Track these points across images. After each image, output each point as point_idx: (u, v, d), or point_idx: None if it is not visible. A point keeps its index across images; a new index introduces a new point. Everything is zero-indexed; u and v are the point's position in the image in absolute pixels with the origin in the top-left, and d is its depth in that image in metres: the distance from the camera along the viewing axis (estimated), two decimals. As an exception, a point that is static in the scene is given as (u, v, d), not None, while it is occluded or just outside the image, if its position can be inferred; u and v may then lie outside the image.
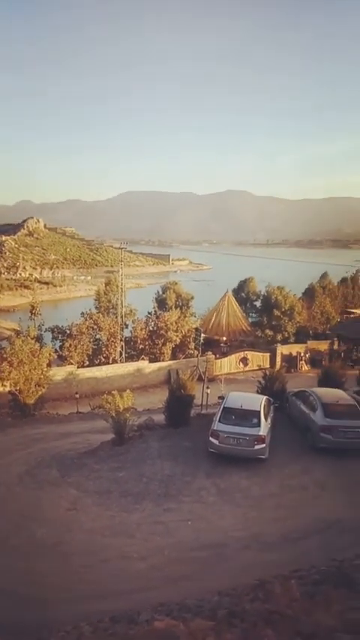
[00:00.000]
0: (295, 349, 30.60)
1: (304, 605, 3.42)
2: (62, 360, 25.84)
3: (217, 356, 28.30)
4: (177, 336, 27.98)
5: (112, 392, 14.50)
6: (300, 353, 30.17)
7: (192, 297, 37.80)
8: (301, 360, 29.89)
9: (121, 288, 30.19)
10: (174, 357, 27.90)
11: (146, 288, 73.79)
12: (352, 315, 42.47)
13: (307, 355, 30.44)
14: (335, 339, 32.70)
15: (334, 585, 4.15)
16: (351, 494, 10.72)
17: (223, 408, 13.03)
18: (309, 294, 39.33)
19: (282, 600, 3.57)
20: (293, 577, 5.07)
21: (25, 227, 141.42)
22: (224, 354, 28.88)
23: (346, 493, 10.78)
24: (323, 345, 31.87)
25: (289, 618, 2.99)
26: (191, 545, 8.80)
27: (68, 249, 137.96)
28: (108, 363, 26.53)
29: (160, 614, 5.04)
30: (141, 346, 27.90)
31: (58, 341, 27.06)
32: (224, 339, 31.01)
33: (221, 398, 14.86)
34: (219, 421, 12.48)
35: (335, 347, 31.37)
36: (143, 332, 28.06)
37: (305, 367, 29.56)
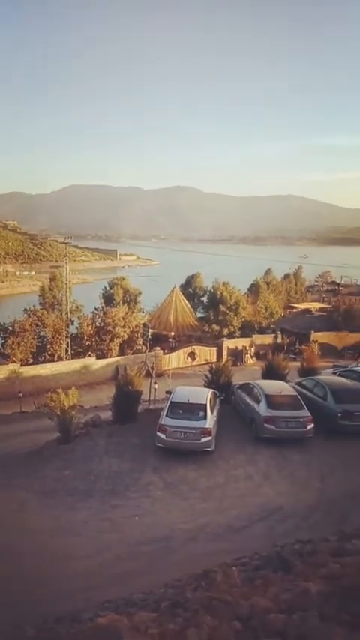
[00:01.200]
0: (240, 343, 31.30)
1: (243, 590, 3.53)
2: (4, 358, 24.94)
3: (166, 351, 28.42)
4: (125, 332, 27.80)
5: (58, 390, 14.20)
6: (245, 347, 30.91)
7: (140, 293, 37.68)
8: (247, 353, 30.63)
9: (67, 284, 29.53)
10: (122, 353, 27.70)
11: (93, 283, 72.69)
12: (294, 310, 44.09)
13: (252, 349, 31.24)
14: (279, 332, 33.80)
15: (274, 569, 4.32)
16: (292, 483, 11.17)
17: (171, 402, 13.13)
18: (254, 289, 40.34)
19: (223, 587, 3.67)
20: (236, 564, 5.22)
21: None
22: (172, 349, 29.06)
23: (288, 482, 11.22)
24: (267, 339, 32.85)
25: (229, 603, 3.08)
26: (138, 540, 8.82)
27: (10, 244, 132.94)
28: (53, 361, 25.92)
29: (106, 611, 5.02)
30: (88, 343, 27.46)
31: (0, 338, 26.08)
32: (172, 334, 31.21)
33: (169, 393, 14.95)
34: (166, 416, 12.57)
35: (279, 340, 32.41)
36: (90, 328, 27.63)
37: (251, 360, 30.33)
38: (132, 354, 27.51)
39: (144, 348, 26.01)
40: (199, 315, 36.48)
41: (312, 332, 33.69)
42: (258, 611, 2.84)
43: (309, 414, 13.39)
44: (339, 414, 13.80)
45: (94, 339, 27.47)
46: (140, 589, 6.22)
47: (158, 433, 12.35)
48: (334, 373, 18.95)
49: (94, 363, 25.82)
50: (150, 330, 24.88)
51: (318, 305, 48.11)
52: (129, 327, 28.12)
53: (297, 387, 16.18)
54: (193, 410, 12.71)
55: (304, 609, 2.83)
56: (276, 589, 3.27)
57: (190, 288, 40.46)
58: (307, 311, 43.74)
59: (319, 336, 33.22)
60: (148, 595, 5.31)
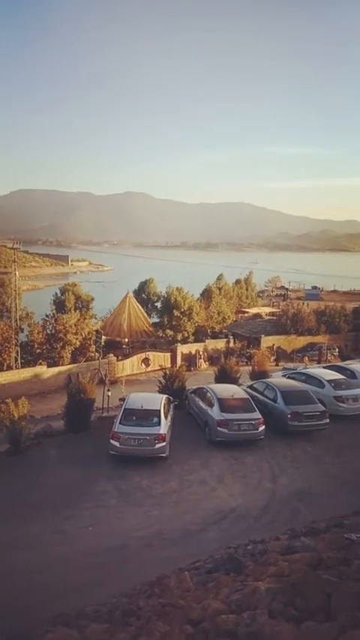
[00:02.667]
0: (194, 348, 31.56)
1: (196, 594, 3.56)
2: None
3: (119, 358, 28.16)
4: (77, 339, 27.29)
5: (7, 400, 13.73)
6: (199, 351, 31.20)
7: (92, 299, 37.13)
8: (200, 358, 30.93)
9: (16, 291, 28.63)
10: (74, 360, 27.16)
11: (44, 289, 70.85)
12: (246, 315, 45.02)
13: (205, 353, 31.58)
14: (231, 337, 34.38)
15: (226, 571, 4.38)
16: (245, 485, 11.38)
17: (124, 409, 13.05)
18: (206, 294, 40.78)
19: (176, 592, 3.69)
20: (190, 569, 5.25)
21: None
22: (126, 356, 28.84)
23: (241, 484, 11.42)
24: (220, 344, 33.32)
25: (181, 608, 3.10)
26: (92, 550, 8.67)
27: None
28: (2, 370, 25.02)
29: (57, 626, 4.90)
30: (38, 351, 26.72)
31: None
32: (126, 340, 30.98)
33: (122, 400, 14.83)
34: (120, 423, 12.46)
35: (231, 345, 32.96)
36: (41, 336, 26.91)
37: (204, 365, 30.63)
38: (85, 361, 27.04)
39: (97, 355, 25.64)
40: (153, 320, 36.44)
41: (262, 336, 34.54)
42: (209, 613, 2.88)
43: (260, 416, 13.71)
44: (289, 415, 14.23)
45: (44, 347, 26.77)
46: (94, 600, 6.12)
47: (112, 441, 12.22)
48: (284, 375, 19.50)
49: (45, 371, 25.17)
50: (103, 337, 24.58)
51: (268, 309, 49.38)
52: (81, 334, 27.64)
53: (249, 389, 16.53)
54: (147, 416, 12.68)
55: (253, 608, 2.90)
56: (227, 590, 3.33)
57: (143, 293, 40.35)
58: (258, 315, 44.77)
59: (269, 340, 34.11)
60: (101, 606, 5.22)
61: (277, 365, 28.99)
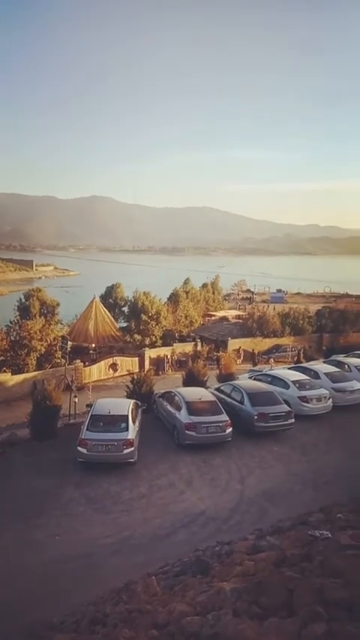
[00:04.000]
0: (162, 352, 31.54)
1: (163, 598, 3.57)
2: None
3: (86, 363, 27.81)
4: (42, 345, 26.77)
5: (-31, 410, 13.32)
6: (167, 355, 31.21)
7: (58, 304, 36.47)
8: (168, 362, 30.95)
9: (-22, 297, 27.85)
10: (40, 367, 26.63)
11: (8, 295, 69.24)
12: (213, 318, 45.39)
13: (173, 357, 31.62)
14: (198, 340, 34.57)
15: (193, 574, 4.41)
16: (214, 487, 11.46)
17: (91, 415, 12.90)
18: (173, 298, 40.86)
19: (143, 598, 3.68)
20: (158, 573, 5.25)
21: None
22: (93, 361, 28.51)
23: (209, 486, 11.50)
24: (188, 347, 33.44)
25: (147, 613, 3.10)
26: (60, 559, 8.51)
27: None
28: (-36, 379, 24.24)
29: (26, 639, 4.80)
30: (2, 358, 26.05)
31: None
32: (93, 345, 30.63)
33: (89, 406, 14.66)
34: (87, 429, 12.31)
35: (198, 348, 33.14)
36: (4, 342, 26.24)
37: (172, 369, 30.67)
38: (50, 367, 26.55)
39: (63, 361, 25.23)
40: (120, 325, 36.19)
41: (229, 339, 34.91)
42: (175, 616, 2.90)
43: (227, 419, 13.85)
44: (255, 417, 14.44)
45: (9, 354, 26.12)
46: (62, 610, 6.02)
47: (79, 448, 12.05)
48: (250, 377, 19.77)
49: (9, 378, 24.56)
50: (69, 343, 24.23)
51: (234, 313, 49.95)
52: (47, 340, 27.13)
53: (216, 392, 16.68)
54: (115, 422, 12.59)
55: (218, 608, 2.93)
56: (193, 592, 3.35)
57: (110, 298, 40.00)
58: (225, 319, 45.23)
59: (236, 343, 34.50)
60: (68, 616, 5.14)
61: (255, 365, 29.45)
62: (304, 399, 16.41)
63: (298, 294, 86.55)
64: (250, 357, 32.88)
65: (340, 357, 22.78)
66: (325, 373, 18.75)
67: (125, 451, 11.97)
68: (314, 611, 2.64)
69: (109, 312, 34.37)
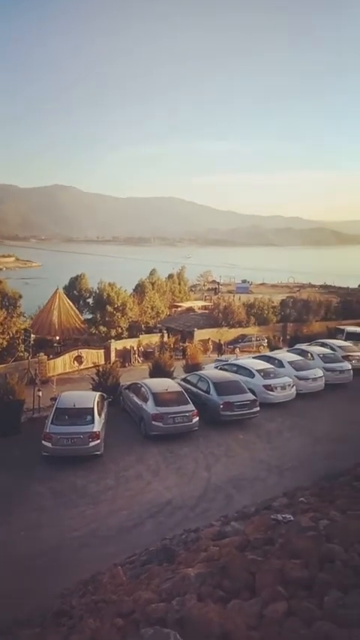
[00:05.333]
0: (128, 344, 31.36)
1: (129, 587, 3.60)
2: None
3: (50, 356, 27.31)
4: (4, 338, 26.07)
5: None
6: (133, 347, 31.07)
7: (20, 296, 35.54)
8: (135, 353, 30.83)
9: None
10: (2, 361, 25.97)
11: (-33, 288, 66.87)
12: (179, 309, 45.49)
13: (139, 349, 31.52)
14: (165, 331, 34.59)
15: (159, 562, 4.45)
16: (181, 476, 11.59)
17: (56, 408, 12.74)
18: (139, 289, 40.62)
19: (109, 588, 3.69)
20: (124, 563, 5.27)
21: None
22: (57, 354, 28.04)
23: (176, 475, 11.61)
24: (154, 338, 33.40)
25: (113, 603, 3.12)
26: (27, 555, 8.40)
27: None
28: None
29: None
30: None
31: None
32: (57, 338, 30.10)
33: (54, 399, 14.47)
34: (51, 423, 12.16)
35: (165, 339, 33.17)
36: (-36, 337, 25.42)
37: (138, 360, 30.58)
38: (13, 361, 25.92)
39: (26, 354, 24.71)
40: (85, 317, 35.68)
41: (195, 329, 35.09)
42: (140, 604, 2.93)
43: (194, 408, 13.98)
44: (221, 406, 14.65)
45: (-31, 348, 25.35)
46: (29, 606, 5.97)
47: (44, 442, 11.90)
48: (216, 367, 19.99)
49: (-30, 373, 23.86)
50: (32, 335, 23.73)
51: (200, 303, 50.21)
52: (8, 334, 26.43)
53: (182, 382, 16.78)
54: (80, 414, 12.48)
55: (183, 594, 2.98)
56: (159, 580, 3.39)
57: (74, 290, 39.34)
58: (191, 309, 45.39)
59: (202, 333, 34.73)
60: (35, 611, 5.10)
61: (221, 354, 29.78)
62: (268, 387, 16.76)
63: (263, 284, 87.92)
64: (217, 347, 33.20)
65: (304, 346, 23.34)
66: (288, 362, 19.20)
67: (91, 444, 11.91)
68: (275, 592, 2.72)
69: (74, 303, 33.80)
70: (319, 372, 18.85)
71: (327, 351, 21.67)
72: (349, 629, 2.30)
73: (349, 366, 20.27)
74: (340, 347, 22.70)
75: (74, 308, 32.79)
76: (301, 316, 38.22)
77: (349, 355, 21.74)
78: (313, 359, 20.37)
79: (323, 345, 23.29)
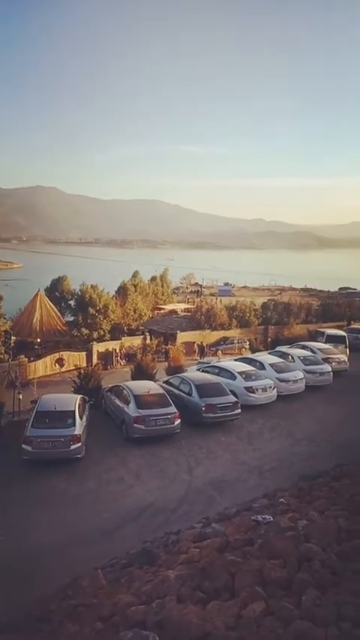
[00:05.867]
0: (110, 346, 31.21)
1: (109, 591, 3.59)
2: None
3: (31, 359, 27.00)
4: (-16, 340, 25.70)
5: None
6: (115, 349, 30.93)
7: (0, 298, 35.13)
8: (117, 356, 30.69)
9: None
10: (-19, 363, 25.56)
11: None
12: (162, 311, 45.47)
13: (122, 351, 31.39)
14: (147, 334, 34.52)
15: (140, 565, 4.45)
16: (162, 479, 11.57)
17: (36, 412, 12.60)
18: (122, 292, 40.49)
19: (89, 592, 3.68)
20: (105, 567, 5.25)
21: None
22: (39, 357, 27.74)
23: (158, 478, 11.59)
24: (137, 341, 33.31)
25: (92, 607, 3.11)
26: (6, 560, 8.28)
27: None
28: None
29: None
30: None
31: None
32: (38, 340, 29.79)
33: (34, 402, 14.31)
34: (32, 426, 12.01)
35: (147, 341, 33.10)
36: None
37: (121, 363, 30.44)
38: (-7, 364, 25.57)
39: (6, 356, 24.39)
40: (67, 319, 35.39)
41: (178, 332, 35.12)
42: (120, 607, 2.93)
43: (176, 411, 13.98)
44: (203, 408, 14.69)
45: None
46: (8, 612, 5.88)
47: (24, 445, 11.74)
48: (199, 369, 20.05)
49: None
50: (12, 337, 23.43)
51: (183, 306, 50.25)
52: (-11, 336, 26.07)
53: (164, 385, 16.77)
54: (61, 417, 12.36)
55: (163, 596, 2.99)
56: (139, 583, 3.39)
57: (56, 291, 39.02)
58: (174, 312, 45.39)
59: (185, 336, 34.78)
60: (14, 617, 5.04)
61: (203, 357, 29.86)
62: (250, 389, 16.88)
63: (245, 287, 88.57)
64: (199, 350, 33.28)
65: (284, 348, 23.59)
66: (269, 364, 19.36)
67: (72, 447, 11.80)
68: (254, 592, 2.75)
69: (55, 305, 33.53)
70: (300, 374, 19.07)
71: (307, 353, 21.93)
72: (325, 627, 2.35)
73: (329, 369, 20.55)
74: (320, 349, 22.99)
75: (56, 310, 32.52)
76: (282, 319, 38.58)
77: (329, 357, 22.03)
78: (294, 361, 20.58)
79: (304, 347, 23.55)
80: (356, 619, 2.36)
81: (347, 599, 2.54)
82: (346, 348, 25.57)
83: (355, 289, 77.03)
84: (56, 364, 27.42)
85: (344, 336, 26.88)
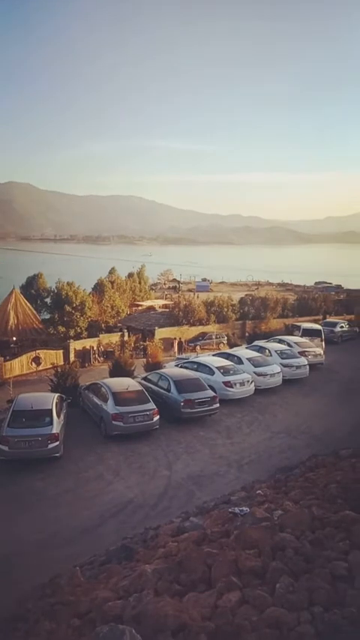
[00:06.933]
0: (88, 343, 30.95)
1: (87, 588, 3.59)
2: None
3: (7, 357, 26.58)
4: None
5: None
6: (93, 347, 30.71)
7: (-26, 297, 34.42)
8: (95, 353, 30.48)
9: None
10: None
11: None
12: (139, 308, 45.33)
13: (99, 348, 31.19)
14: (125, 330, 34.38)
15: (118, 561, 4.46)
16: (142, 475, 11.58)
17: (12, 411, 12.43)
18: (99, 288, 40.20)
19: (67, 590, 3.67)
20: (84, 564, 5.24)
21: None
22: (15, 355, 27.32)
23: (138, 474, 11.59)
24: (115, 338, 33.14)
25: (70, 604, 3.10)
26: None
27: None
28: None
29: None
30: None
31: None
32: (14, 339, 29.34)
33: (10, 402, 14.10)
34: (8, 426, 11.85)
35: (125, 338, 32.97)
36: None
37: (99, 360, 30.26)
38: (-32, 364, 25.08)
39: (-19, 356, 23.97)
40: (43, 317, 34.93)
41: (156, 328, 35.08)
42: (98, 603, 2.93)
43: (155, 407, 13.99)
44: (182, 403, 14.74)
45: None
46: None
47: (0, 445, 11.57)
48: (177, 365, 20.09)
49: None
50: (-13, 337, 23.03)
51: (161, 302, 50.20)
52: None
53: (143, 381, 16.76)
54: (38, 416, 12.23)
55: (140, 590, 3.01)
56: (117, 578, 3.40)
57: (32, 289, 38.44)
58: (152, 308, 45.31)
59: (163, 332, 34.78)
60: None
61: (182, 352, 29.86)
62: (228, 384, 17.02)
63: (223, 282, 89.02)
64: (178, 346, 33.34)
65: (262, 343, 23.83)
66: (247, 358, 19.55)
67: (50, 446, 11.70)
68: (229, 582, 2.80)
69: (31, 303, 33.08)
70: (277, 368, 19.32)
71: (284, 347, 22.22)
72: (297, 612, 2.41)
73: (306, 362, 20.88)
74: (296, 343, 23.33)
75: (31, 308, 32.10)
76: (259, 314, 38.99)
77: (305, 351, 22.38)
78: (271, 355, 20.83)
79: (280, 341, 23.86)
80: (327, 603, 2.44)
81: (319, 584, 2.62)
82: (321, 341, 26.02)
83: (331, 283, 78.41)
84: (33, 363, 27.09)
85: (320, 330, 27.34)
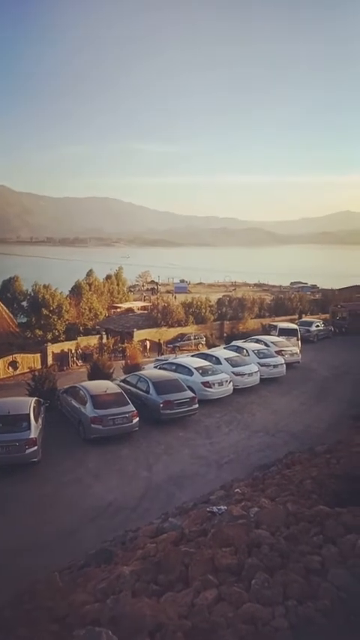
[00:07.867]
0: (66, 347, 30.66)
1: (65, 592, 3.57)
2: None
3: (-17, 363, 26.10)
4: None
5: None
6: (71, 350, 30.43)
7: None
8: (73, 356, 30.21)
9: None
10: None
11: None
12: (118, 310, 45.14)
13: (77, 351, 30.93)
14: (103, 333, 34.18)
15: (97, 564, 4.44)
16: (121, 477, 11.53)
17: (-11, 417, 12.19)
18: (76, 291, 39.90)
19: (45, 595, 3.64)
20: (63, 569, 5.20)
21: None
22: (-10, 360, 26.85)
23: (117, 477, 11.54)
24: (93, 340, 32.91)
25: (48, 609, 3.08)
26: None
27: None
28: None
29: None
30: None
31: None
32: (-11, 343, 28.85)
33: (-14, 407, 13.82)
34: (-17, 433, 11.63)
35: (104, 341, 32.78)
36: None
37: (77, 363, 30.00)
38: None
39: None
40: (19, 321, 34.48)
41: (135, 330, 34.99)
42: (75, 607, 2.92)
43: (134, 409, 13.96)
44: (161, 405, 14.75)
45: None
46: None
47: (-25, 453, 11.35)
48: (156, 366, 20.08)
49: None
50: None
51: (140, 304, 50.14)
52: None
53: (122, 383, 16.69)
54: (15, 421, 12.04)
55: (118, 592, 3.01)
56: (95, 581, 3.40)
57: (8, 292, 37.92)
58: (130, 310, 45.19)
59: (142, 334, 34.71)
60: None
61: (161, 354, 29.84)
62: (206, 384, 17.10)
63: (200, 284, 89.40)
64: (157, 347, 33.32)
65: (239, 343, 24.03)
66: (225, 359, 19.68)
67: (28, 451, 11.53)
68: (206, 580, 2.83)
69: (7, 307, 32.64)
70: (255, 368, 19.51)
71: (261, 347, 22.45)
72: (272, 607, 2.46)
73: (282, 361, 21.15)
74: (273, 343, 23.60)
75: (7, 311, 31.67)
76: (236, 314, 39.30)
77: (281, 350, 22.68)
78: (249, 355, 21.02)
79: (258, 341, 24.10)
80: (301, 596, 2.49)
81: (293, 578, 2.68)
82: (298, 340, 26.41)
83: (306, 283, 79.62)
84: (9, 367, 26.69)
85: (296, 329, 27.75)
